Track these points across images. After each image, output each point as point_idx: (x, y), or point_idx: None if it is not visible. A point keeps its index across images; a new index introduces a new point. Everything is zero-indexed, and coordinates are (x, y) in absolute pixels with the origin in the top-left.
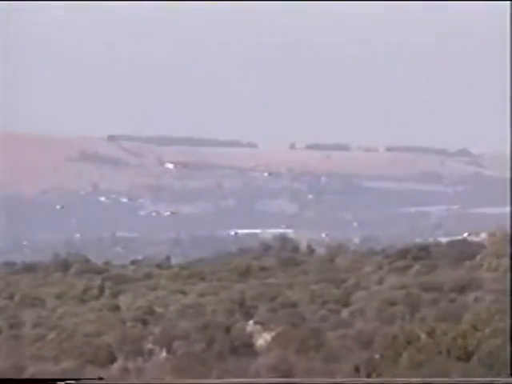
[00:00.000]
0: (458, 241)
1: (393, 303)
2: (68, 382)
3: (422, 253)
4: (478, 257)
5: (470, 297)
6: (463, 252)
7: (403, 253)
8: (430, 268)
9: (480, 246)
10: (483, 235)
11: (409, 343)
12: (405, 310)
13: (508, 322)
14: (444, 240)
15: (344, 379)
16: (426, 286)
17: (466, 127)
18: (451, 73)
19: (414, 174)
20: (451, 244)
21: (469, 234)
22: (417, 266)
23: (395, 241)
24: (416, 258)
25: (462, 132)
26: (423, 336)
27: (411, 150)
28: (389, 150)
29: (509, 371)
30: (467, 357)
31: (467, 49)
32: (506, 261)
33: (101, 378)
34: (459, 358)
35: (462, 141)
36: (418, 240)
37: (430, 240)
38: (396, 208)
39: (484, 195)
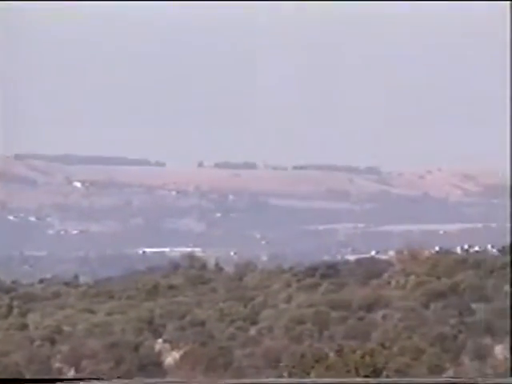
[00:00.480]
0: (366, 259)
1: (301, 321)
2: (68, 381)
3: (330, 271)
4: (386, 275)
5: (378, 315)
6: (371, 270)
7: (311, 270)
8: (338, 286)
9: (388, 263)
10: (391, 253)
11: (317, 361)
12: (313, 328)
13: (416, 339)
14: (352, 258)
15: (344, 379)
16: (334, 304)
17: (375, 144)
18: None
19: (321, 191)
20: (359, 262)
21: (376, 252)
22: (325, 284)
23: (303, 258)
24: (324, 276)
25: (371, 149)
26: (331, 354)
27: (319, 168)
28: (296, 168)
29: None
30: (376, 375)
31: (467, 49)
32: (413, 278)
33: (101, 379)
34: (367, 377)
35: (371, 158)
36: (325, 258)
37: (338, 258)
38: (304, 226)
39: (391, 213)
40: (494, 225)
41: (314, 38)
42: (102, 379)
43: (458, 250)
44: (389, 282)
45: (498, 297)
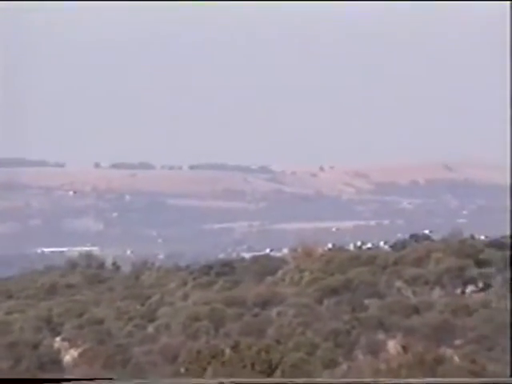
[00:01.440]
0: (261, 256)
1: (197, 318)
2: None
3: (226, 268)
4: (280, 272)
5: (273, 311)
6: (266, 267)
7: (207, 268)
8: (233, 283)
9: (282, 261)
10: (285, 250)
11: (213, 357)
12: (209, 325)
13: (310, 335)
14: (247, 255)
15: (344, 379)
16: (230, 301)
17: (267, 144)
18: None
19: (217, 191)
20: (254, 259)
21: (271, 250)
22: (220, 282)
23: (199, 257)
24: (220, 274)
25: (263, 149)
26: (227, 350)
27: (214, 168)
28: (192, 168)
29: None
30: (271, 370)
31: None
32: (307, 275)
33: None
34: (263, 372)
35: (264, 158)
36: (221, 256)
37: (234, 256)
38: (200, 225)
39: (285, 211)
40: (386, 222)
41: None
42: (111, 379)
43: (351, 246)
44: (283, 279)
45: (390, 292)
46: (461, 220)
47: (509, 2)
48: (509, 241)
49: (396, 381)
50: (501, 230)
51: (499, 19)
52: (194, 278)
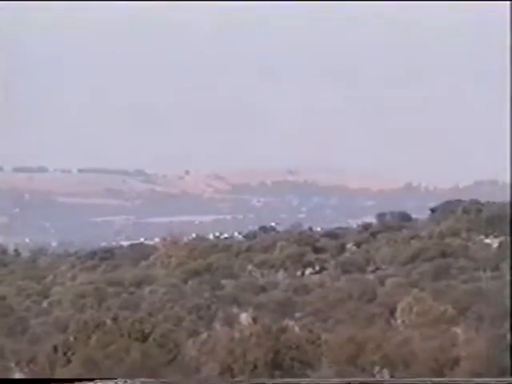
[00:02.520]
0: (136, 244)
1: (84, 295)
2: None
3: (107, 254)
4: (152, 257)
5: (146, 290)
6: (140, 253)
7: (92, 254)
8: (113, 267)
9: (154, 248)
10: (156, 240)
11: (97, 327)
12: (93, 301)
13: (177, 309)
14: (125, 244)
15: (344, 379)
16: (111, 281)
17: (143, 150)
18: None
19: (100, 190)
20: (131, 247)
21: (145, 239)
22: (103, 265)
23: (85, 245)
24: (102, 259)
25: (139, 155)
26: (108, 321)
27: (98, 171)
28: (80, 171)
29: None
30: (144, 338)
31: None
32: (174, 260)
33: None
34: (137, 339)
35: (139, 162)
36: (103, 244)
37: (114, 244)
38: (86, 218)
39: (156, 207)
40: (240, 216)
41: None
42: (113, 379)
43: (211, 236)
44: (155, 263)
45: (243, 274)
46: (300, 215)
47: (509, 2)
48: (340, 231)
49: (398, 380)
50: (334, 223)
51: (499, 19)
52: (81, 262)
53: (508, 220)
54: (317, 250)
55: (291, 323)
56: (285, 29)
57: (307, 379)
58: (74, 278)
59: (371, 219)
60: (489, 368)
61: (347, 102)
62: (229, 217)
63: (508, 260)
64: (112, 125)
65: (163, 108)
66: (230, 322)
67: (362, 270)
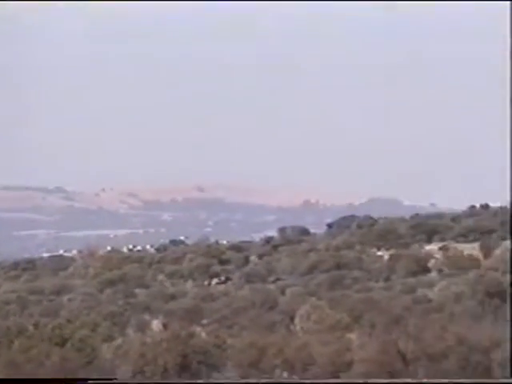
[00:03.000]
0: (56, 256)
1: (7, 303)
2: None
3: (29, 265)
4: (71, 268)
5: (65, 298)
6: (60, 264)
7: (15, 265)
8: (35, 276)
9: (72, 259)
10: (74, 251)
11: (19, 333)
12: (16, 308)
13: (93, 316)
14: (46, 255)
15: (344, 379)
16: (32, 290)
17: (62, 169)
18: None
19: (23, 206)
20: (51, 258)
21: (64, 251)
22: (25, 275)
23: (10, 256)
24: (24, 269)
25: (59, 173)
26: (30, 327)
27: (21, 189)
28: (5, 188)
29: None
30: (63, 343)
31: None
32: (92, 270)
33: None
34: (57, 344)
35: (59, 180)
36: (26, 255)
37: (36, 255)
38: (10, 232)
39: (75, 222)
40: (152, 230)
41: None
42: (115, 379)
43: (125, 249)
44: (73, 274)
45: (154, 284)
46: (208, 229)
47: (509, 2)
48: (244, 244)
49: (398, 380)
50: (239, 236)
51: (499, 19)
52: (5, 272)
53: (396, 235)
54: (222, 262)
55: (199, 329)
56: None
57: (307, 379)
58: None
59: (273, 233)
60: (380, 370)
61: (249, 123)
62: (141, 231)
63: (399, 272)
64: (34, 144)
65: (80, 130)
66: (142, 328)
67: (264, 280)
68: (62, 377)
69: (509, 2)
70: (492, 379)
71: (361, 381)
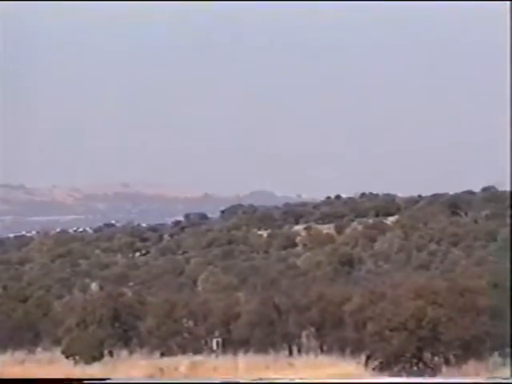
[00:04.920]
0: (20, 236)
1: None
2: (68, 382)
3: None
4: (31, 245)
5: (27, 267)
6: (23, 242)
7: None
8: (4, 251)
9: (31, 238)
10: (33, 232)
11: None
12: None
13: None
14: (12, 235)
15: (344, 379)
16: (2, 261)
17: (25, 167)
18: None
19: None
20: (16, 238)
21: (26, 232)
22: None
23: None
24: None
25: (23, 171)
26: (0, 289)
27: None
28: None
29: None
30: (25, 300)
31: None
32: (46, 247)
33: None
34: (21, 301)
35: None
36: None
37: (4, 236)
38: None
39: (34, 211)
40: (91, 216)
41: None
42: (108, 379)
43: (71, 230)
44: (32, 249)
45: (93, 256)
46: (132, 215)
47: (509, 2)
48: (159, 227)
49: (399, 380)
50: (155, 221)
51: (499, 19)
52: None
53: (272, 219)
54: (143, 240)
55: (126, 290)
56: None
57: (306, 379)
58: None
59: (181, 218)
60: (261, 320)
61: (161, 131)
62: (83, 217)
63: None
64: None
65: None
66: (84, 289)
67: (174, 253)
68: (26, 327)
69: (509, 2)
70: (492, 379)
71: (361, 381)
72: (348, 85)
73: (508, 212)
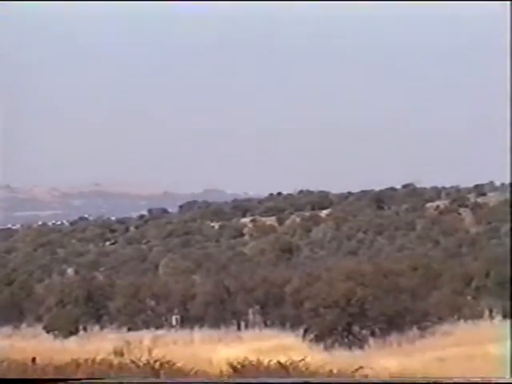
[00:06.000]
0: (5, 229)
1: None
2: (70, 382)
3: None
4: (16, 236)
5: (12, 255)
6: (8, 234)
7: None
8: None
9: (16, 231)
10: (18, 225)
11: None
12: None
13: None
14: None
15: (344, 379)
16: None
17: (11, 168)
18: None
19: None
20: (2, 230)
21: (12, 225)
22: None
23: None
24: None
25: (7, 173)
26: None
27: None
28: None
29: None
30: (11, 283)
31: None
32: (29, 237)
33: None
34: (7, 284)
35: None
36: None
37: None
38: None
39: (18, 207)
40: (67, 211)
41: None
42: (103, 378)
43: (50, 224)
44: (17, 240)
45: (69, 245)
46: (103, 210)
47: (509, 2)
48: (125, 220)
49: (399, 380)
50: (125, 214)
51: (499, 19)
52: None
53: (223, 212)
54: (112, 231)
55: (98, 274)
56: None
57: (307, 379)
58: None
59: (145, 212)
60: (213, 300)
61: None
62: (60, 212)
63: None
64: None
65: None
66: (62, 273)
67: (139, 243)
68: (12, 306)
69: (509, 2)
70: (492, 379)
71: (361, 380)
72: (303, 89)
73: (424, 205)
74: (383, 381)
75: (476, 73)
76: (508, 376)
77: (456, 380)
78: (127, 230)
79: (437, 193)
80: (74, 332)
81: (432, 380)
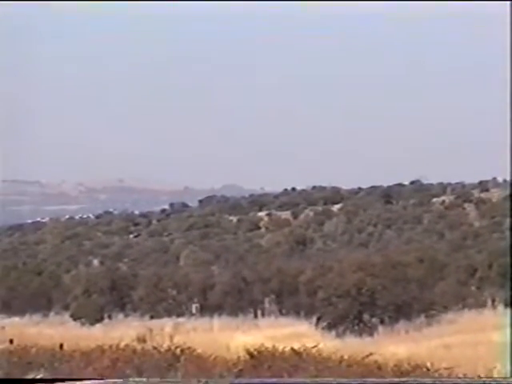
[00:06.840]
0: (36, 222)
1: (6, 250)
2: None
3: (19, 227)
4: (45, 228)
5: (41, 246)
6: (38, 226)
7: (9, 228)
8: (23, 234)
9: (45, 224)
10: (47, 219)
11: (14, 268)
12: (11, 253)
13: None
14: (29, 221)
15: (344, 379)
16: (21, 242)
17: (42, 167)
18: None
19: (17, 192)
20: (33, 223)
21: (41, 218)
22: (17, 234)
23: (5, 223)
24: (16, 230)
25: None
26: (20, 264)
27: (17, 182)
28: (4, 181)
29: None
30: (40, 273)
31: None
32: (56, 230)
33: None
34: (37, 274)
35: (37, 175)
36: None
37: (23, 221)
38: (10, 207)
39: (48, 201)
40: (93, 206)
41: None
42: (102, 379)
43: (77, 217)
44: (45, 232)
45: (95, 238)
46: (126, 204)
47: (509, 2)
48: (148, 214)
49: (399, 380)
50: (148, 208)
51: (499, 19)
52: (2, 233)
53: (241, 207)
54: (135, 224)
55: (121, 265)
56: None
57: (307, 379)
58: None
59: (166, 206)
60: (232, 290)
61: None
62: (86, 206)
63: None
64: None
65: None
66: (88, 264)
67: (161, 235)
68: (41, 295)
69: (509, 2)
70: (492, 379)
71: (360, 381)
72: (317, 88)
73: (431, 200)
74: (383, 381)
75: (476, 72)
76: (508, 376)
77: (456, 380)
78: (150, 223)
79: (442, 188)
80: (100, 320)
81: (433, 380)
